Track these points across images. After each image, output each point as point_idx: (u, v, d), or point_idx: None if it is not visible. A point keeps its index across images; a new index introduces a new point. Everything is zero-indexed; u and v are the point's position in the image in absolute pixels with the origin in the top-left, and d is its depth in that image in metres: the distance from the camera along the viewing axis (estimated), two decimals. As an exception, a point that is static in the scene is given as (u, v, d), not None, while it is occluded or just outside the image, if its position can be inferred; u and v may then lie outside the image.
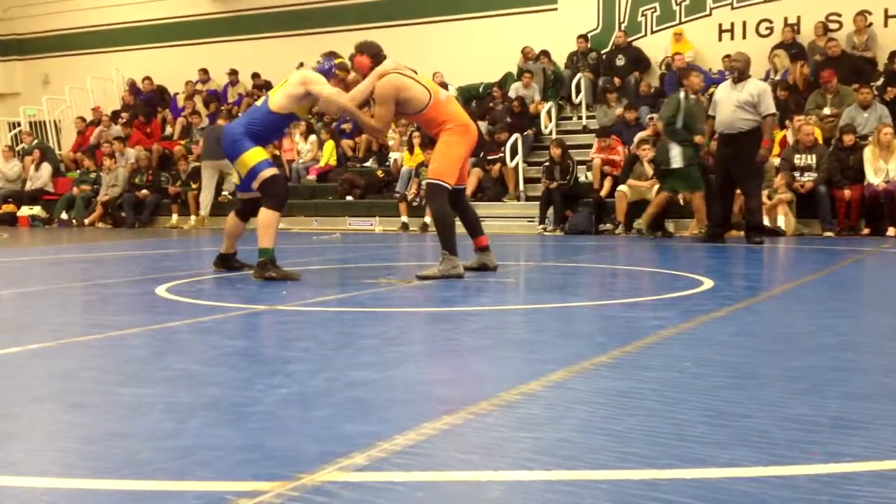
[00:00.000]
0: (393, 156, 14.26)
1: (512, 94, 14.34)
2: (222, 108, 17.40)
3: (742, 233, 10.49)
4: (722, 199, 9.20)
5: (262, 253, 5.74)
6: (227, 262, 6.38)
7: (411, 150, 13.48)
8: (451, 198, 5.95)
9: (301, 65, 17.49)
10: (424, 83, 5.94)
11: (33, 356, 3.37)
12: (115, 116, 17.44)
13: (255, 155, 5.80)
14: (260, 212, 5.83)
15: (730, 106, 8.75)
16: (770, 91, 9.03)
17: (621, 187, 11.44)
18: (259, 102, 5.99)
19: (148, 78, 18.34)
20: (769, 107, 8.74)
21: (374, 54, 5.98)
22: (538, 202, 12.24)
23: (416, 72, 6.13)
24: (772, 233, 10.00)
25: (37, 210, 15.73)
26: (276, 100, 5.81)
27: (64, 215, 15.37)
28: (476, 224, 6.28)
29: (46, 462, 2.05)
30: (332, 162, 14.87)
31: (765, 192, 10.45)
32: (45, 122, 18.61)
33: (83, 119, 18.03)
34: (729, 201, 9.24)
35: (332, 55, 6.11)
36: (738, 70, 8.93)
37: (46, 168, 16.13)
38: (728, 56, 13.56)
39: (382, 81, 5.86)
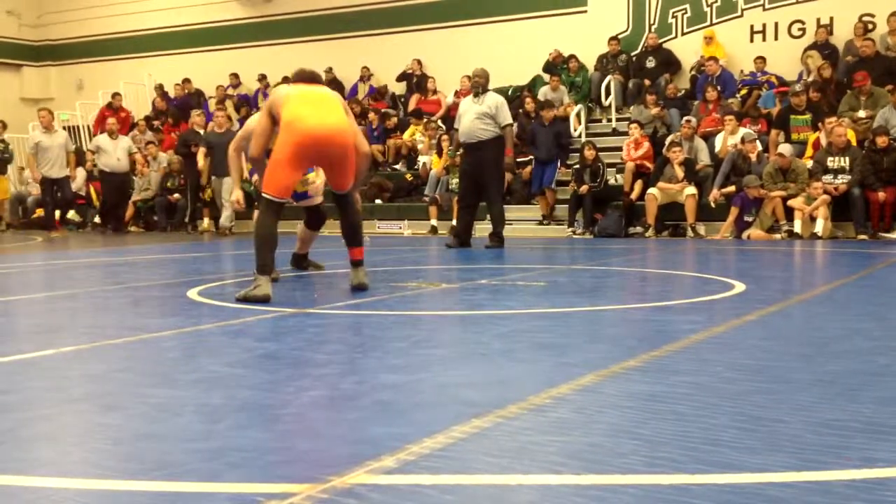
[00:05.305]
0: (422, 159, 14.28)
1: (540, 97, 14.31)
2: (253, 111, 17.45)
3: (776, 235, 10.41)
4: (467, 208, 9.67)
5: None
6: (298, 262, 6.76)
7: (440, 154, 13.49)
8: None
9: (329, 69, 17.55)
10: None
11: (67, 358, 3.41)
12: (149, 121, 17.59)
13: None
14: None
15: (471, 117, 9.32)
16: (506, 103, 9.58)
17: (651, 190, 11.40)
18: None
19: (179, 83, 18.48)
20: (506, 118, 9.34)
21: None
22: (567, 205, 12.21)
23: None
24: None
25: (71, 214, 15.91)
26: None
27: (97, 219, 15.53)
28: (352, 234, 5.52)
29: (79, 463, 2.07)
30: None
31: (801, 198, 10.36)
32: (78, 128, 18.83)
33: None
34: (474, 210, 9.73)
35: None
36: (480, 85, 9.41)
37: (80, 173, 16.29)
38: (761, 57, 13.49)
39: None
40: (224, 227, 13.44)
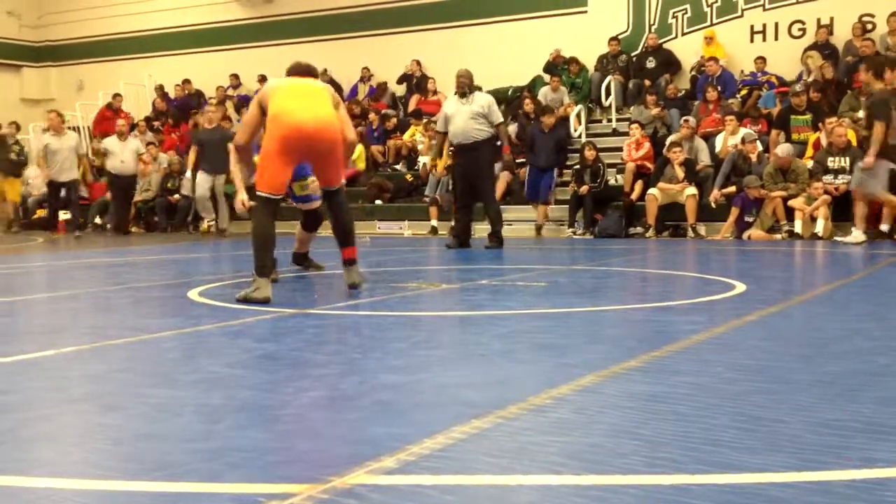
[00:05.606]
0: (422, 160, 14.27)
1: (541, 97, 14.30)
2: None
3: (777, 236, 10.40)
4: (464, 208, 9.59)
5: None
6: (299, 260, 6.72)
7: (440, 154, 13.47)
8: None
9: (325, 71, 17.51)
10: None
11: (67, 358, 3.41)
12: (149, 122, 17.59)
13: None
14: None
15: (464, 117, 9.24)
16: (495, 102, 9.70)
17: (651, 190, 11.40)
18: None
19: (179, 84, 18.48)
20: (498, 116, 9.43)
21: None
22: (567, 205, 12.21)
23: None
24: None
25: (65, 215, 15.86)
26: None
27: (98, 220, 15.52)
28: (344, 233, 5.35)
29: (79, 463, 2.07)
30: (361, 166, 14.91)
31: (801, 198, 10.35)
32: (78, 129, 18.83)
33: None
34: (471, 209, 9.65)
35: None
36: (466, 85, 9.41)
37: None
38: (761, 58, 13.48)
39: None
40: (221, 228, 13.46)
